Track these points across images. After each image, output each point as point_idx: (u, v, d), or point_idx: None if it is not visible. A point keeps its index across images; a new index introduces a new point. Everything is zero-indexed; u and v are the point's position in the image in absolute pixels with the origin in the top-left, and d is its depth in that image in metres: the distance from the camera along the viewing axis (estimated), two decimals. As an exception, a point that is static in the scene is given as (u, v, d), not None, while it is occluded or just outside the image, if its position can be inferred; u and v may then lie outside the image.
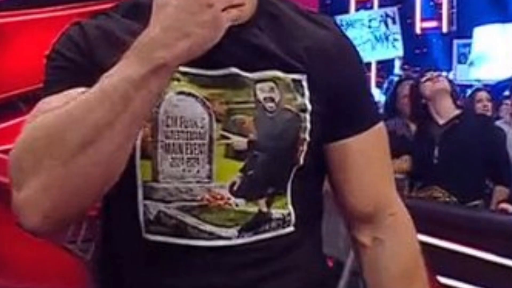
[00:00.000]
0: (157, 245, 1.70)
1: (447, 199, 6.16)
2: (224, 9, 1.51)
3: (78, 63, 1.69)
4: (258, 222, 1.72)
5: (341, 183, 1.87)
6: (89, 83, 1.52)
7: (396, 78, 10.51)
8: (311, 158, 1.77)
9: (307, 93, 1.75)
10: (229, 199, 1.69)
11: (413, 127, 7.23)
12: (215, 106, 1.68)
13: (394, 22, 16.96)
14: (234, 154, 1.69)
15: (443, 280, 4.09)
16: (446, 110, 6.58)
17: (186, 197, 1.68)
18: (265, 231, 1.72)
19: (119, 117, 1.46)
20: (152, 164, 1.68)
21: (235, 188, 1.70)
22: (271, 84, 1.72)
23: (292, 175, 1.75)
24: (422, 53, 29.55)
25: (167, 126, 1.67)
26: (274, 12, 1.81)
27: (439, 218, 4.41)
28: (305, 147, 1.74)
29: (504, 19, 24.97)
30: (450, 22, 31.65)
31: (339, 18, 17.11)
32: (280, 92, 1.72)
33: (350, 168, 1.85)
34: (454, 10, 31.98)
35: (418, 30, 31.33)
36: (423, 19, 31.87)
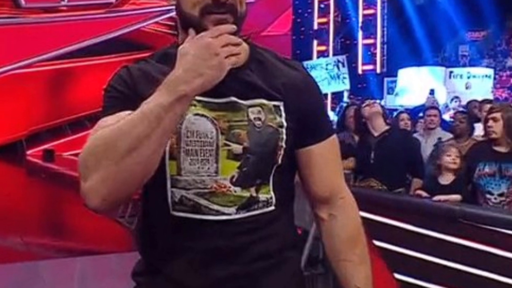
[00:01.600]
0: (180, 219, 1.71)
1: (380, 187, 6.18)
2: (226, 57, 1.55)
3: (125, 94, 1.71)
4: (250, 203, 1.73)
5: (306, 176, 1.88)
6: (133, 108, 1.55)
7: (344, 104, 10.56)
8: (286, 159, 1.78)
9: (283, 114, 1.76)
10: (230, 187, 1.71)
11: (356, 138, 7.23)
12: (220, 123, 1.70)
13: (343, 66, 17.01)
14: (233, 156, 1.70)
15: (377, 243, 4.09)
16: (379, 126, 6.58)
17: (200, 186, 1.70)
18: (254, 209, 1.73)
19: (154, 131, 1.50)
20: (177, 163, 1.69)
21: (234, 180, 1.71)
22: (259, 108, 1.74)
23: (273, 171, 1.76)
24: (363, 87, 29.62)
25: (187, 137, 1.68)
26: (260, 58, 1.82)
27: (374, 201, 4.41)
28: (282, 152, 1.76)
29: (419, 64, 25.36)
30: (382, 66, 31.86)
31: (305, 63, 17.15)
32: (265, 114, 1.74)
33: (313, 166, 1.86)
34: (385, 57, 32.20)
35: (360, 71, 31.49)
36: (363, 64, 32.06)
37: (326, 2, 33.35)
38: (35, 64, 19.56)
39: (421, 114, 9.17)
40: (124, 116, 1.57)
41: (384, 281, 3.99)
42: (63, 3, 20.11)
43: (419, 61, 28.06)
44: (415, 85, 21.14)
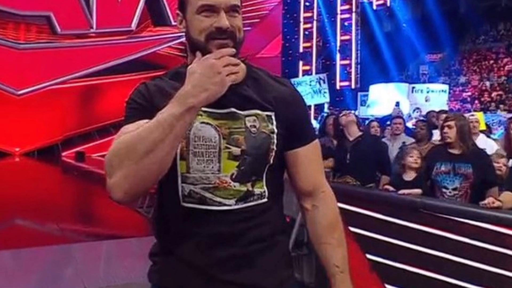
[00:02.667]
0: (189, 209, 1.71)
1: (354, 183, 6.16)
2: (227, 75, 1.56)
3: (144, 106, 1.71)
4: (247, 196, 1.72)
5: (293, 174, 1.88)
6: (150, 117, 1.55)
7: (325, 114, 10.51)
8: (277, 160, 1.78)
9: (274, 122, 1.76)
10: (230, 183, 1.70)
11: (335, 142, 7.21)
12: (222, 130, 1.70)
13: (324, 82, 16.94)
14: (233, 157, 1.70)
15: (352, 229, 4.09)
16: (353, 132, 6.57)
17: (205, 182, 1.70)
18: (250, 201, 1.73)
19: (167, 136, 1.50)
20: (186, 163, 1.69)
21: (233, 176, 1.71)
22: (254, 117, 1.74)
23: (266, 169, 1.76)
24: (340, 100, 29.53)
25: (195, 141, 1.68)
26: (255, 76, 1.82)
27: (350, 194, 4.40)
28: (273, 153, 1.76)
29: (387, 81, 25.36)
30: (356, 82, 31.86)
31: (292, 80, 17.10)
32: (259, 122, 1.74)
33: (299, 165, 1.86)
34: (358, 75, 32.22)
35: (338, 87, 31.45)
36: (341, 81, 32.08)
37: (310, 29, 33.40)
38: (69, 81, 19.59)
39: (388, 122, 9.15)
40: (142, 124, 1.56)
41: (358, 260, 3.99)
42: (92, 30, 20.18)
43: (387, 78, 28.12)
44: (383, 98, 21.12)
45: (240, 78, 1.76)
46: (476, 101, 30.28)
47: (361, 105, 23.66)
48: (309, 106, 20.49)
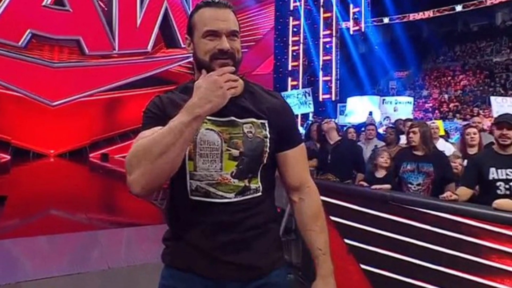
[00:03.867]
0: (196, 201, 1.71)
1: (334, 179, 6.16)
2: (228, 89, 1.57)
3: (158, 115, 1.71)
4: (244, 190, 1.73)
5: (283, 172, 1.88)
6: (163, 124, 1.56)
7: (310, 122, 10.52)
8: (269, 160, 1.78)
9: (267, 129, 1.77)
10: (230, 179, 1.71)
11: (318, 145, 7.22)
12: (223, 135, 1.71)
13: (309, 95, 16.94)
14: (233, 158, 1.71)
15: (332, 218, 4.08)
16: (334, 137, 6.58)
17: (210, 179, 1.70)
18: (247, 195, 1.74)
19: (178, 140, 1.51)
20: (193, 162, 1.70)
21: (233, 174, 1.71)
22: (250, 125, 1.75)
23: (260, 168, 1.76)
24: (323, 110, 29.46)
25: (201, 144, 1.69)
26: (251, 90, 1.83)
27: (330, 189, 4.40)
28: (266, 155, 1.76)
29: (361, 94, 25.31)
30: (336, 95, 31.81)
31: (282, 93, 17.06)
32: (255, 129, 1.75)
33: (288, 165, 1.86)
34: (338, 89, 32.18)
35: (320, 99, 31.37)
36: (323, 94, 32.00)
37: (297, 51, 33.35)
38: (95, 94, 19.56)
39: (363, 129, 9.17)
40: (157, 130, 1.57)
41: (337, 244, 3.99)
42: (114, 51, 20.14)
43: (362, 92, 28.13)
44: (358, 109, 21.11)
45: (239, 92, 1.76)
46: (436, 111, 30.36)
47: (340, 114, 23.61)
48: (297, 115, 20.48)
